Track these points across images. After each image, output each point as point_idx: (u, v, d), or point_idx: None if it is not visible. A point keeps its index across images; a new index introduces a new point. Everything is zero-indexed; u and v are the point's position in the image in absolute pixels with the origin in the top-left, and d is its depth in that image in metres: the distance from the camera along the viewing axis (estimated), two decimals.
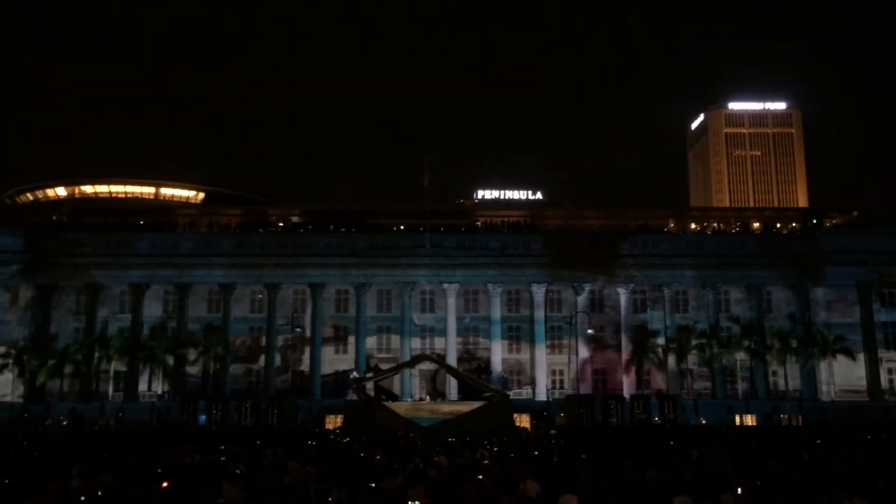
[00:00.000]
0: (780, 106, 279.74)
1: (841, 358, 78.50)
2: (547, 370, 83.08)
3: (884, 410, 72.47)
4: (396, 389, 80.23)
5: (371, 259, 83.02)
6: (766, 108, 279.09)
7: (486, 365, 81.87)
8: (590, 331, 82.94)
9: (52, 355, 77.53)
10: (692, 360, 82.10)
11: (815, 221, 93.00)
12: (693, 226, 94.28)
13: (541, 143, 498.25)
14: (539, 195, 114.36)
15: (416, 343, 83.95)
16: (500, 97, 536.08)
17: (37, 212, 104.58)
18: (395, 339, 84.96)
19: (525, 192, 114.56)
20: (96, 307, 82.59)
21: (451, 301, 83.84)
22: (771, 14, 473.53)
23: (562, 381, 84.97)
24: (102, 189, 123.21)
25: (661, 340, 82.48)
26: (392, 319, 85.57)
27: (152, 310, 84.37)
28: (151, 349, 78.95)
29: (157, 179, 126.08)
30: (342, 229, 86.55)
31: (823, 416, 70.47)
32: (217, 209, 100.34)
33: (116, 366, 79.42)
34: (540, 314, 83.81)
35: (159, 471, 21.94)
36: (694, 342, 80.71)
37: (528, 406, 72.78)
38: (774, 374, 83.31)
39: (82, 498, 17.50)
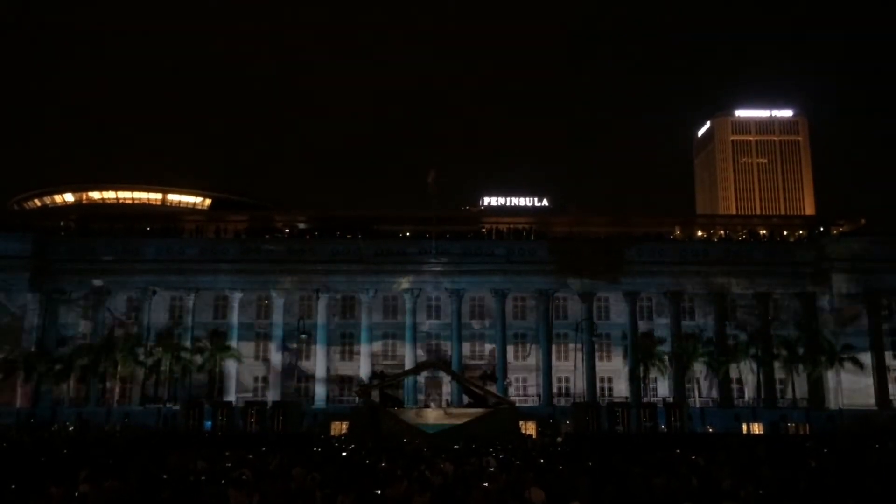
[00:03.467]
0: (787, 113, 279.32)
1: (848, 366, 78.06)
2: (553, 377, 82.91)
3: (891, 419, 72.03)
4: (402, 396, 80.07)
5: (377, 265, 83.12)
6: (773, 115, 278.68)
7: (491, 371, 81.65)
8: (595, 337, 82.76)
9: (58, 360, 77.76)
10: (698, 367, 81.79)
11: (822, 229, 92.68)
12: (699, 233, 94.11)
13: (547, 150, 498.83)
14: (545, 202, 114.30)
15: (421, 350, 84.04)
16: (506, 103, 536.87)
17: (44, 217, 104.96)
18: (400, 346, 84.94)
19: (531, 198, 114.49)
20: (103, 313, 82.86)
21: (457, 308, 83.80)
22: (777, 21, 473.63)
23: (567, 389, 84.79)
24: (109, 195, 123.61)
25: (667, 348, 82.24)
26: (398, 326, 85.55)
27: (159, 315, 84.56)
28: (158, 355, 79.12)
29: (164, 185, 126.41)
30: (348, 235, 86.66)
31: (831, 425, 70.07)
32: (223, 215, 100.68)
33: (123, 371, 79.62)
34: (545, 321, 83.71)
35: (165, 476, 21.95)
36: (700, 350, 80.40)
37: (533, 413, 72.60)
38: (781, 382, 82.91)
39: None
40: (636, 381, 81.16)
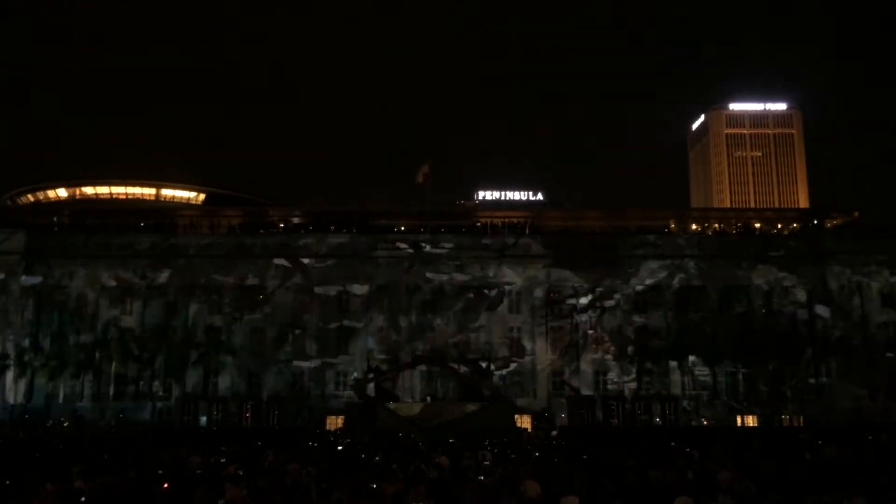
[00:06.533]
0: (781, 107, 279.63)
1: (842, 358, 78.39)
2: (548, 371, 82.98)
3: (884, 412, 72.43)
4: (398, 390, 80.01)
5: (372, 260, 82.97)
6: (767, 108, 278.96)
7: (486, 366, 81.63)
8: (590, 331, 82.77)
9: (53, 356, 77.62)
10: (693, 360, 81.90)
11: (816, 222, 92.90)
12: (694, 226, 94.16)
13: (541, 144, 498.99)
14: (539, 196, 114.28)
15: (418, 344, 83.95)
16: (502, 97, 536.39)
17: (38, 213, 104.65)
18: (397, 341, 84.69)
19: (525, 192, 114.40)
20: (97, 308, 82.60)
21: (452, 302, 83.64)
22: (772, 14, 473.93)
23: (563, 382, 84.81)
24: (103, 190, 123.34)
25: (661, 341, 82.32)
26: (394, 321, 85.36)
27: (153, 311, 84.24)
28: (152, 350, 78.93)
29: (158, 180, 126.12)
30: (343, 230, 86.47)
31: (825, 417, 70.40)
32: (218, 210, 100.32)
33: (117, 367, 79.44)
34: (541, 315, 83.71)
35: (160, 472, 21.92)
36: (695, 342, 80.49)
37: (529, 407, 72.69)
38: (776, 374, 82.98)
39: (82, 499, 17.48)
40: (631, 374, 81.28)
